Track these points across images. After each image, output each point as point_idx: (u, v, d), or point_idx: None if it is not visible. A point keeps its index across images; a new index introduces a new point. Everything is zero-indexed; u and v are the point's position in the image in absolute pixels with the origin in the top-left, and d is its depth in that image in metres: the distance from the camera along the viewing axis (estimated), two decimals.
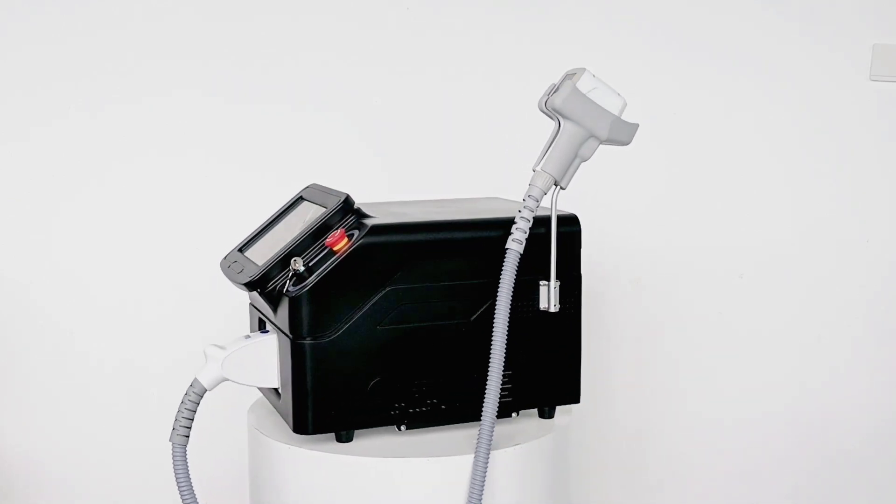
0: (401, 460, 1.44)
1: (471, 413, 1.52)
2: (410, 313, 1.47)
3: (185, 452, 1.49)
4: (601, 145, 1.49)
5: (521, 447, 1.50)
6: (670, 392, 2.32)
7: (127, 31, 2.21)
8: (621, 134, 1.49)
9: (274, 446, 1.52)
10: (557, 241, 1.50)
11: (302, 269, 1.42)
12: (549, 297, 1.50)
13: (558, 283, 1.51)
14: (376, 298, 1.45)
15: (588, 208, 2.29)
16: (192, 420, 1.49)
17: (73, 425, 2.30)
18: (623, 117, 1.48)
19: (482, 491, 1.41)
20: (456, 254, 1.48)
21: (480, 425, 1.42)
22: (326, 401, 1.44)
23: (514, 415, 1.56)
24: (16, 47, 2.20)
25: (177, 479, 1.49)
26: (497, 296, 1.43)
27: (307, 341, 1.42)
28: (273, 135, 2.25)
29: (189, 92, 2.23)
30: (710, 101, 2.23)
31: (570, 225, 1.54)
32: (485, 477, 1.41)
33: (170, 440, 1.49)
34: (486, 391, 1.43)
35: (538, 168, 1.48)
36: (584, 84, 1.47)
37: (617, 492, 2.37)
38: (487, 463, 1.42)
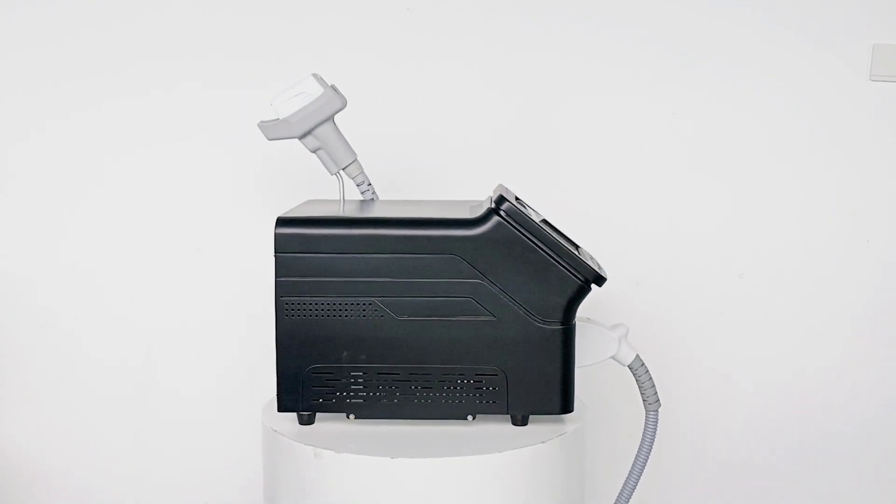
0: (414, 461, 1.46)
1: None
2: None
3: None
4: None
5: (528, 450, 1.51)
6: (670, 392, 2.32)
7: (129, 27, 2.22)
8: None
9: (290, 445, 1.53)
10: None
11: None
12: None
13: None
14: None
15: (587, 208, 2.29)
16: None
17: (77, 425, 2.31)
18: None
19: None
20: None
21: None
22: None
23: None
24: (16, 46, 2.21)
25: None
26: None
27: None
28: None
29: (193, 104, 2.24)
30: (709, 101, 2.24)
31: None
32: None
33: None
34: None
35: None
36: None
37: (616, 491, 2.37)
38: None
